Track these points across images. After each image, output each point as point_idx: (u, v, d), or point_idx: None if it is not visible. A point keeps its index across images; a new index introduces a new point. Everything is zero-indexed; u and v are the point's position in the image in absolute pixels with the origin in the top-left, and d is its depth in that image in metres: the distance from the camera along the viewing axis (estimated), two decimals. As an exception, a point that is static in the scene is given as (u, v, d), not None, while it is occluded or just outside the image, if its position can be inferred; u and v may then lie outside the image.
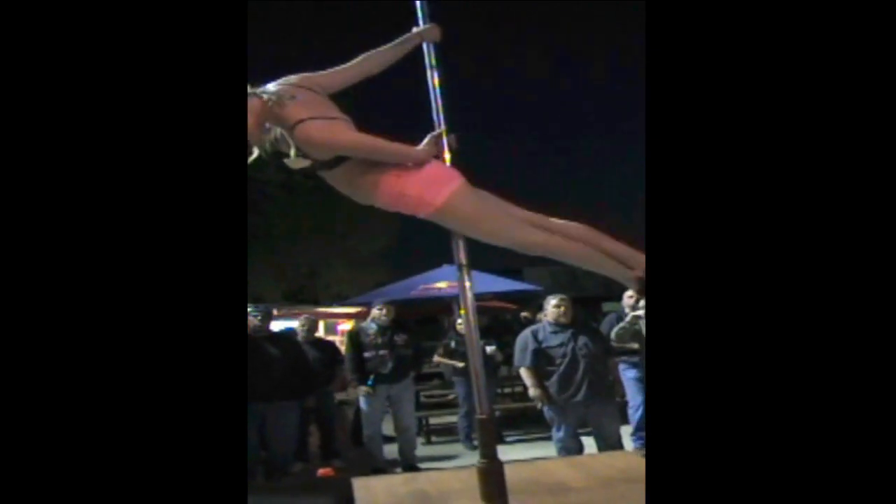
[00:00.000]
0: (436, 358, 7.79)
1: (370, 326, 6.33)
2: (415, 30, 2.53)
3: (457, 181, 2.33)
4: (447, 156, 2.43)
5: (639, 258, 2.30)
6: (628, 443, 5.97)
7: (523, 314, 9.33)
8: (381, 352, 6.14)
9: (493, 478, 2.35)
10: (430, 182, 2.30)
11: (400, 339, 6.31)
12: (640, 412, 6.06)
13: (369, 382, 6.09)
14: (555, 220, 2.44)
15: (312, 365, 6.31)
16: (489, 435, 2.45)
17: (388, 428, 6.51)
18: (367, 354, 6.16)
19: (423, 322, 12.61)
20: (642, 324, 5.26)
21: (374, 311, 6.37)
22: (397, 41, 2.53)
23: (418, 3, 2.54)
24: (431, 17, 2.57)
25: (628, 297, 5.43)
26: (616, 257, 2.36)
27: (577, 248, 2.37)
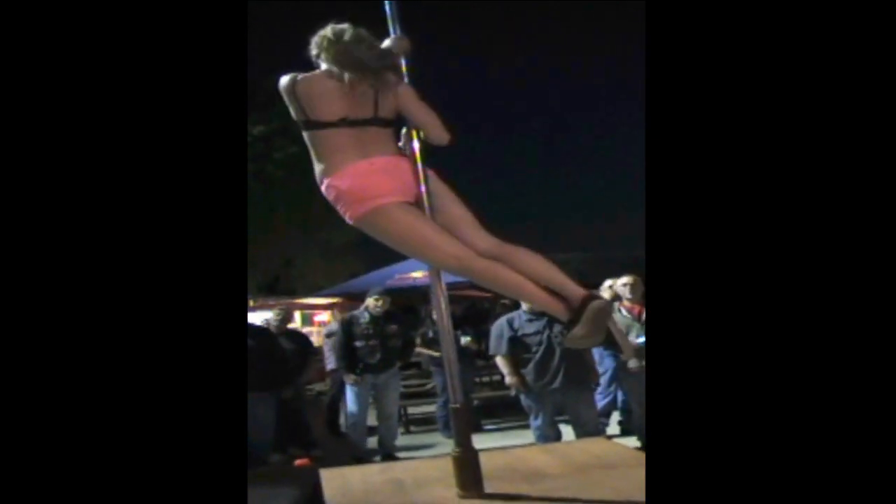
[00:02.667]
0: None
1: (363, 315, 6.31)
2: (385, 42, 2.49)
3: (380, 200, 2.29)
4: (416, 145, 2.41)
5: (575, 292, 2.27)
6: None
7: (502, 301, 9.34)
8: (372, 341, 6.15)
9: (468, 466, 2.36)
10: (349, 197, 2.30)
11: (391, 329, 6.30)
12: (607, 399, 6.21)
13: (358, 371, 6.10)
14: (507, 246, 2.38)
15: (285, 356, 6.29)
16: (464, 424, 2.46)
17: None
18: (357, 344, 6.15)
19: (403, 311, 12.61)
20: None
21: (370, 301, 6.34)
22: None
23: (387, 4, 2.49)
24: (409, 16, 2.52)
25: (623, 285, 5.43)
26: (555, 287, 2.32)
27: (515, 280, 2.29)
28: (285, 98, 2.37)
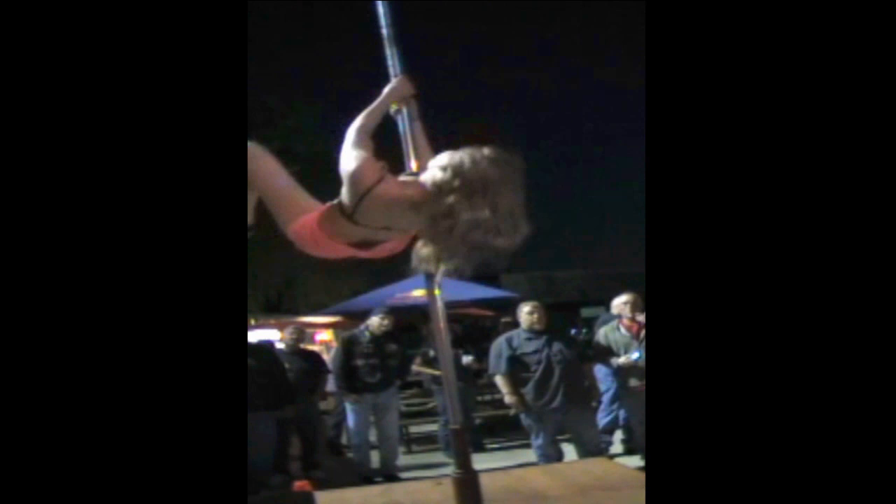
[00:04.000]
0: (414, 367, 7.76)
1: (363, 335, 6.29)
2: (385, 90, 2.24)
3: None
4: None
5: None
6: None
7: (504, 319, 9.33)
8: (372, 360, 6.12)
9: (468, 488, 2.34)
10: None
11: (390, 348, 6.29)
12: (609, 417, 6.19)
13: (358, 390, 6.08)
14: None
15: (296, 375, 6.27)
16: (463, 445, 2.44)
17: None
18: (358, 362, 6.13)
19: (401, 330, 12.56)
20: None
21: (374, 320, 6.31)
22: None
23: (380, 4, 2.45)
24: (403, 16, 2.49)
25: (623, 303, 5.41)
26: None
27: None
28: (349, 182, 1.91)
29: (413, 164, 2.23)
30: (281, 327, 8.94)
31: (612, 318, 5.82)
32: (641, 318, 5.25)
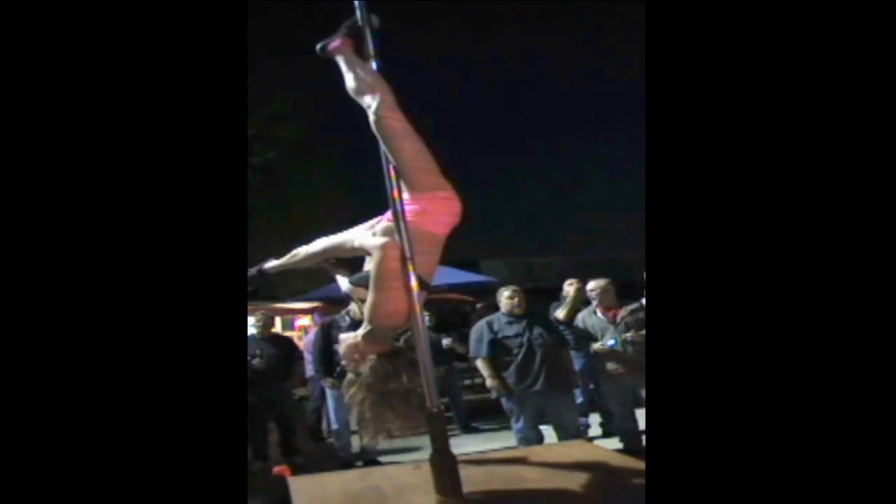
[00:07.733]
0: (444, 343, 7.72)
1: (344, 319, 6.25)
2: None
3: None
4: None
5: None
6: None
7: (479, 305, 9.35)
8: None
9: (446, 471, 2.35)
10: None
11: None
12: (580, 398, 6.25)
13: (336, 375, 6.04)
14: None
15: (268, 361, 6.25)
16: (440, 428, 2.45)
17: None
18: (337, 346, 6.09)
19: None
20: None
21: (355, 306, 6.27)
22: None
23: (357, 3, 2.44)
24: (393, 13, 2.47)
25: (600, 288, 5.43)
26: None
27: None
28: None
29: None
30: (261, 314, 8.89)
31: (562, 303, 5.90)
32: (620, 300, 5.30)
